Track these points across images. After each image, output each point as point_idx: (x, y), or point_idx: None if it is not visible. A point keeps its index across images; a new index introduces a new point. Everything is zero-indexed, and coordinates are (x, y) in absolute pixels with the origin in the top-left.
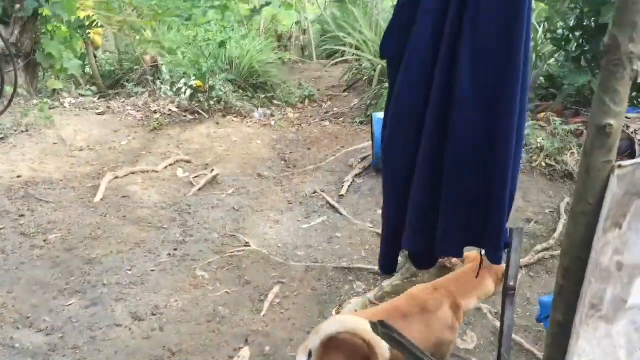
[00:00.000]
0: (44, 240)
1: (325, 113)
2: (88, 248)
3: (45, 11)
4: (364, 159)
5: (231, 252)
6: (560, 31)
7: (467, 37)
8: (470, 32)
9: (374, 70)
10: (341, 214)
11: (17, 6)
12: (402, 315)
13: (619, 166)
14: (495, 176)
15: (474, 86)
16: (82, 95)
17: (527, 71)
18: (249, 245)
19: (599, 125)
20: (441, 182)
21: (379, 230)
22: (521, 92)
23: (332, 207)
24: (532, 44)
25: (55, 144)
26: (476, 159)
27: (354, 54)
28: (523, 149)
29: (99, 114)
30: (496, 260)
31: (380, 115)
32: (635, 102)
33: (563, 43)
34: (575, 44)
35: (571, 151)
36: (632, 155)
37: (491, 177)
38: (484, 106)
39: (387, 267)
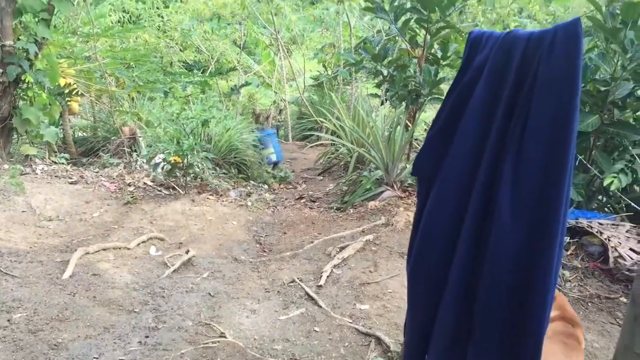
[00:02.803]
0: (8, 320)
1: (301, 196)
2: (54, 331)
3: (28, 77)
4: (342, 249)
5: (205, 343)
6: None
7: (509, 162)
8: (514, 157)
9: (350, 157)
10: (320, 306)
11: (0, 71)
12: None
13: None
14: (534, 300)
15: (513, 208)
16: (55, 163)
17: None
18: (225, 336)
19: None
20: (472, 307)
21: (358, 327)
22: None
23: (311, 298)
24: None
25: (23, 212)
26: (513, 282)
27: (330, 140)
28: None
29: (71, 182)
30: None
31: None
32: (606, 208)
33: None
34: None
35: None
36: (605, 262)
37: (530, 300)
38: (524, 228)
39: None
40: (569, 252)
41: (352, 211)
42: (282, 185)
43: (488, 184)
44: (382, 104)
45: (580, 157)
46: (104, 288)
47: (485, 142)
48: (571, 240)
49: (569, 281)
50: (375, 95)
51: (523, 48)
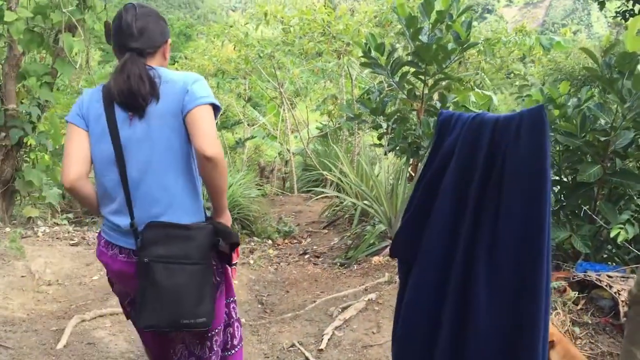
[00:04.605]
0: None
1: (305, 252)
2: None
3: (31, 140)
4: (344, 309)
5: None
6: None
7: (482, 250)
8: (487, 243)
9: (355, 210)
10: None
11: (3, 134)
12: None
13: None
14: None
15: (491, 294)
16: (57, 224)
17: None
18: None
19: None
20: None
21: None
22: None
23: None
24: None
25: (22, 276)
26: None
27: (334, 194)
28: None
29: (72, 244)
30: None
31: None
32: (616, 259)
33: None
34: (554, 199)
35: (556, 310)
36: (616, 316)
37: None
38: (503, 316)
39: None
40: (578, 307)
41: (356, 267)
42: (286, 240)
43: (465, 266)
44: (385, 154)
45: (584, 207)
46: (97, 358)
47: (460, 227)
48: (580, 295)
49: (580, 338)
50: (379, 145)
51: (490, 133)
